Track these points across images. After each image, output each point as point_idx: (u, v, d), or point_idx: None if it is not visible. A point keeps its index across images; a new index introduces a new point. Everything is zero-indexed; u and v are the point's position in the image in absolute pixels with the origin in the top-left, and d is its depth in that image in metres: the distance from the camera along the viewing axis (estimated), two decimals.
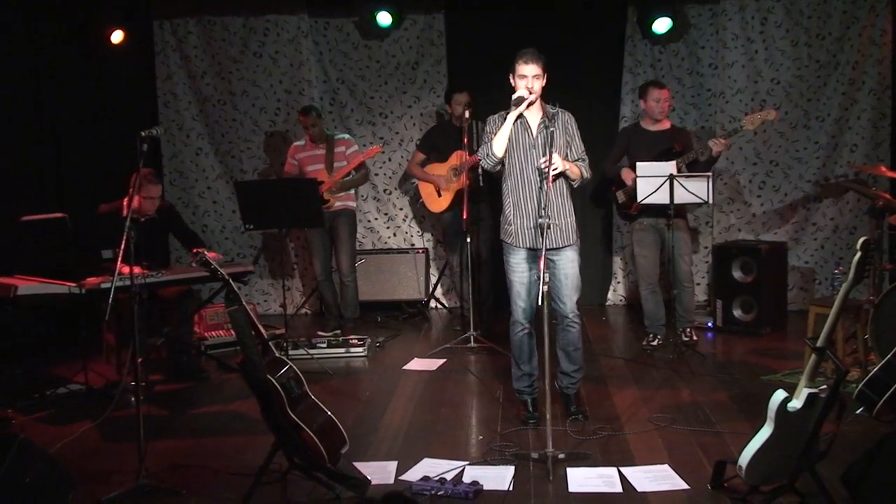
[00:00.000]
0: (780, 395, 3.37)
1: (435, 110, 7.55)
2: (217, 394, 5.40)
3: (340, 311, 6.84)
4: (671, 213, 5.60)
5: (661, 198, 5.56)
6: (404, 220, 7.77)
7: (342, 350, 6.15)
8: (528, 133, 4.42)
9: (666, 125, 6.05)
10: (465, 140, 6.17)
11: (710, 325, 6.68)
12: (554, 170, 4.24)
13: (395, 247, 7.75)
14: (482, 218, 6.56)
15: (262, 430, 3.82)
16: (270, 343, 3.77)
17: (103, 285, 4.73)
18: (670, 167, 5.58)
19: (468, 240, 6.22)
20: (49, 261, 5.17)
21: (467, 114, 6.24)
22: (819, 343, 3.29)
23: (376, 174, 7.61)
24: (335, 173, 6.53)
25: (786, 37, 7.07)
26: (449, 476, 3.82)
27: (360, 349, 6.16)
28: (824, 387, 3.42)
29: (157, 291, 5.44)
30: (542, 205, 4.15)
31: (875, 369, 4.10)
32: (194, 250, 4.41)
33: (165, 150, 7.62)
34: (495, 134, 4.41)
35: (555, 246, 4.41)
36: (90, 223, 5.52)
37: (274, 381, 3.54)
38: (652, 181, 5.57)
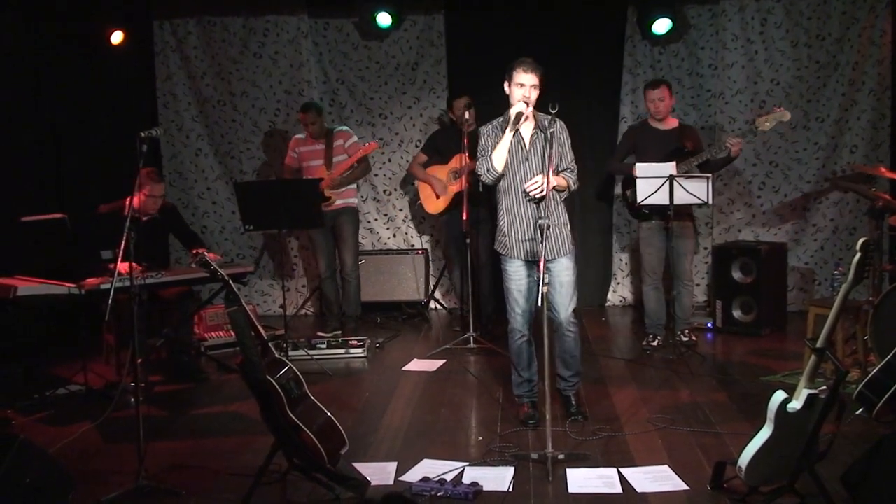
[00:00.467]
0: (779, 395, 3.37)
1: (435, 111, 7.55)
2: (217, 394, 5.40)
3: (342, 308, 6.84)
4: (671, 213, 5.60)
5: (661, 198, 5.57)
6: (404, 221, 7.77)
7: (342, 351, 6.15)
8: (521, 146, 4.41)
9: (673, 123, 6.05)
10: (466, 141, 6.17)
11: (709, 325, 6.68)
12: (539, 192, 4.21)
13: (395, 248, 7.75)
14: (481, 220, 6.56)
15: (262, 430, 3.83)
16: (270, 344, 3.76)
17: (103, 286, 4.73)
18: (670, 167, 5.59)
19: (468, 241, 6.22)
20: (49, 261, 5.18)
21: (468, 114, 6.24)
22: (819, 344, 3.29)
23: (376, 174, 7.61)
24: (334, 168, 6.53)
25: (786, 37, 7.07)
26: (448, 477, 3.83)
27: (360, 350, 6.16)
28: (824, 388, 3.42)
29: (157, 292, 5.44)
30: (543, 207, 4.13)
31: (875, 370, 4.10)
32: (194, 251, 4.42)
33: (165, 150, 7.62)
34: (492, 148, 4.38)
35: (550, 257, 4.40)
36: (90, 223, 5.53)
37: (274, 381, 3.55)
38: (652, 182, 5.58)
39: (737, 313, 6.52)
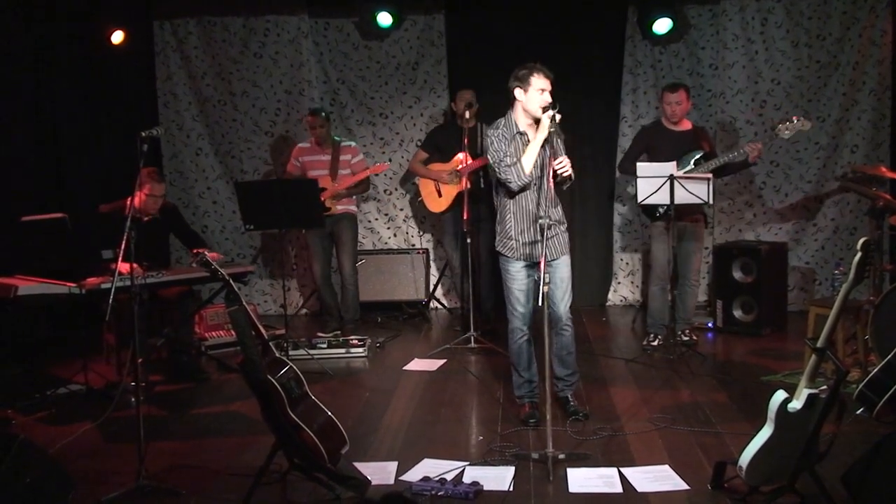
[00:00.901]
0: (780, 395, 3.37)
1: (435, 110, 7.54)
2: (217, 394, 5.40)
3: (341, 313, 6.84)
4: (671, 214, 5.60)
5: (662, 198, 5.57)
6: (404, 221, 7.77)
7: (342, 350, 6.15)
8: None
9: (687, 125, 6.05)
10: (466, 141, 6.17)
11: (710, 325, 6.68)
12: (564, 170, 4.23)
13: (396, 247, 7.75)
14: (482, 219, 6.56)
15: (262, 430, 3.83)
16: (270, 343, 3.77)
17: (103, 286, 4.73)
18: (670, 167, 5.59)
19: (468, 240, 6.22)
20: (49, 261, 5.17)
21: (468, 113, 6.24)
22: (819, 344, 3.29)
23: (376, 174, 7.60)
24: (339, 181, 6.54)
25: (786, 37, 7.07)
26: (449, 476, 3.82)
27: (361, 350, 6.16)
28: (824, 387, 3.42)
29: (157, 292, 5.44)
30: (544, 207, 4.14)
31: (875, 370, 4.11)
32: (195, 251, 4.41)
33: (165, 150, 7.61)
34: (515, 154, 4.33)
35: (553, 257, 4.44)
36: (90, 223, 5.53)
37: (274, 381, 3.55)
38: (652, 181, 5.57)
39: (737, 313, 6.52)
